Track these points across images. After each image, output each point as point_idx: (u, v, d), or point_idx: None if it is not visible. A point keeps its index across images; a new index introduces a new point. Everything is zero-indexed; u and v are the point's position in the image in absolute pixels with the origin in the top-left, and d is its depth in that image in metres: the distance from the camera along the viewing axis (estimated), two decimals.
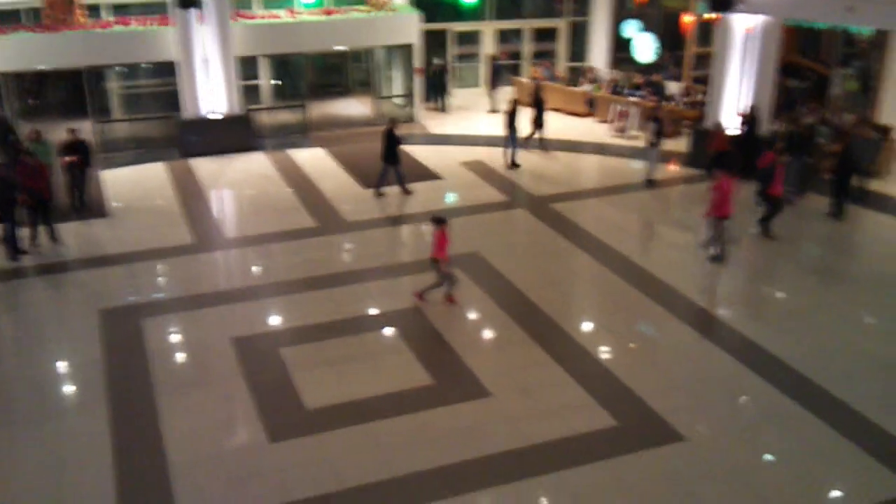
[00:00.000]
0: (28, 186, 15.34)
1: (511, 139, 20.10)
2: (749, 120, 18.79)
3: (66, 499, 8.87)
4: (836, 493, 8.87)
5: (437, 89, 26.34)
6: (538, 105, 21.35)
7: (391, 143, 18.02)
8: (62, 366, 11.63)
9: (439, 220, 12.77)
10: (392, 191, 18.31)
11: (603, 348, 11.78)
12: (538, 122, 21.36)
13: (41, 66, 21.34)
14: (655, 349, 11.92)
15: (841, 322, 12.53)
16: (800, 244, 15.61)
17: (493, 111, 25.40)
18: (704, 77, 23.30)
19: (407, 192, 18.23)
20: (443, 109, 26.09)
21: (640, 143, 21.93)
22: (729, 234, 14.58)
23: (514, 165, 20.08)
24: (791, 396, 10.48)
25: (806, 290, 13.68)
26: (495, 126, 23.78)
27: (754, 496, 8.75)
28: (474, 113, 25.68)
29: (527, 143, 21.19)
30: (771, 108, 19.49)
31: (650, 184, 18.60)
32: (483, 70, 27.97)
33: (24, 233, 15.50)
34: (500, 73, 26.29)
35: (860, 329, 12.34)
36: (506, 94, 25.80)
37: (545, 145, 21.49)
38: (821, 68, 22.55)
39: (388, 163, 18.14)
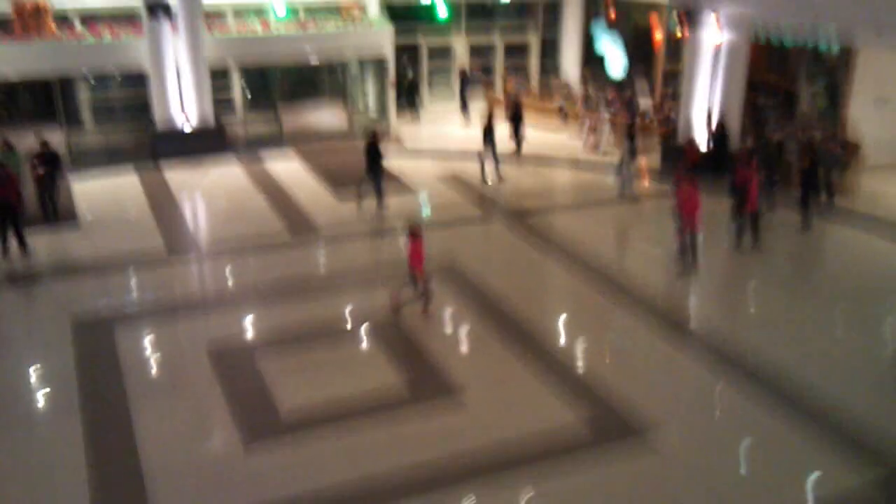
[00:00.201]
0: None
1: (492, 154, 20.17)
2: (719, 135, 19.09)
3: None
4: (809, 499, 9.01)
5: (410, 102, 26.49)
6: (517, 119, 21.46)
7: (373, 155, 17.92)
8: (34, 375, 11.49)
9: (414, 232, 12.81)
10: (369, 203, 18.31)
11: (577, 355, 11.89)
12: (517, 136, 21.48)
13: (10, 75, 21.14)
14: (629, 358, 12.03)
15: (809, 330, 12.74)
16: (769, 257, 15.85)
17: (465, 123, 25.57)
18: (675, 92, 23.67)
19: (381, 208, 18.20)
20: (415, 118, 26.23)
21: (614, 159, 22.20)
22: (695, 248, 14.78)
23: (499, 180, 20.17)
24: (763, 405, 10.62)
25: (777, 301, 13.89)
26: (470, 140, 23.98)
27: (723, 501, 8.86)
28: (448, 126, 25.81)
29: (517, 158, 21.31)
30: (740, 124, 19.81)
31: (624, 199, 18.77)
32: (455, 84, 28.16)
33: None
34: (469, 85, 26.44)
35: (830, 338, 12.56)
36: (478, 107, 26.03)
37: (520, 159, 21.63)
38: (788, 84, 22.95)
39: (371, 175, 18.04)
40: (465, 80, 26.31)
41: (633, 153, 18.95)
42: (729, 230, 16.31)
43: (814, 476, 9.28)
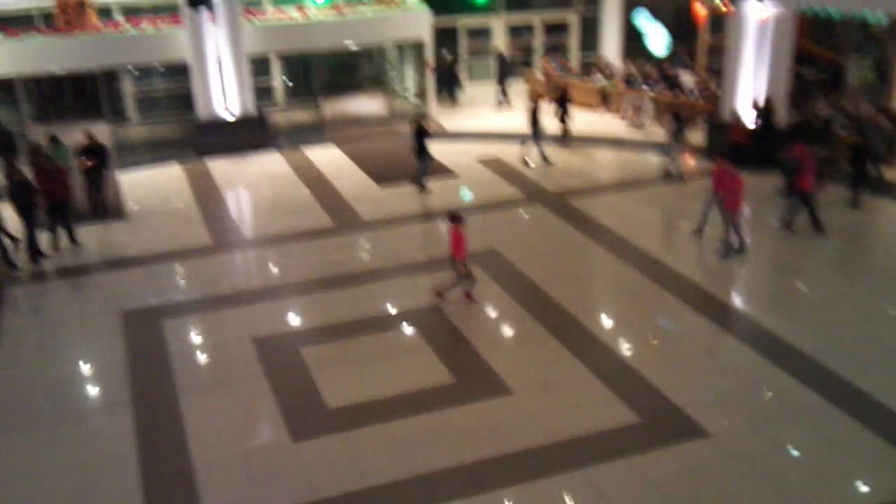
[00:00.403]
0: (47, 190, 15.47)
1: (535, 136, 20.04)
2: (765, 112, 18.71)
3: (91, 500, 8.96)
4: (861, 487, 8.84)
5: (448, 84, 26.36)
6: (563, 101, 21.18)
7: (420, 137, 18.08)
8: (85, 368, 11.74)
9: (455, 218, 12.78)
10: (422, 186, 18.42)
11: (623, 343, 11.77)
12: (564, 119, 21.20)
13: (54, 69, 21.49)
14: (676, 344, 11.89)
15: (862, 314, 12.46)
16: (819, 236, 15.52)
17: (501, 105, 25.37)
18: (719, 69, 23.23)
19: (424, 191, 18.26)
20: (454, 101, 26.15)
21: (657, 138, 21.92)
22: (738, 229, 14.53)
23: (545, 162, 20.02)
24: (814, 389, 10.44)
25: (827, 282, 13.61)
26: (509, 121, 23.83)
27: (778, 491, 8.73)
28: (487, 108, 25.66)
29: (565, 141, 21.10)
30: (786, 99, 19.39)
31: (670, 178, 18.46)
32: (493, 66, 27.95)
33: (44, 236, 15.64)
34: (507, 67, 26.19)
35: (882, 320, 12.27)
36: (515, 88, 25.82)
37: (568, 142, 21.38)
38: (836, 57, 22.41)
39: (419, 157, 18.23)
40: (504, 63, 26.05)
41: (679, 133, 18.67)
42: (777, 209, 16.00)
43: (875, 472, 9.10)
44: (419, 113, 19.15)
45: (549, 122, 20.95)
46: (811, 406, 10.15)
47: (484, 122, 24.19)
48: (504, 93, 25.72)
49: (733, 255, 14.50)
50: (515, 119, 23.95)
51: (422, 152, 18.22)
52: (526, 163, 19.99)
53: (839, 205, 16.68)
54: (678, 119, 18.76)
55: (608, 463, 9.21)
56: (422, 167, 18.33)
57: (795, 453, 9.37)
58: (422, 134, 18.13)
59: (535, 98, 20.64)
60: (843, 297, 13.06)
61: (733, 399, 10.37)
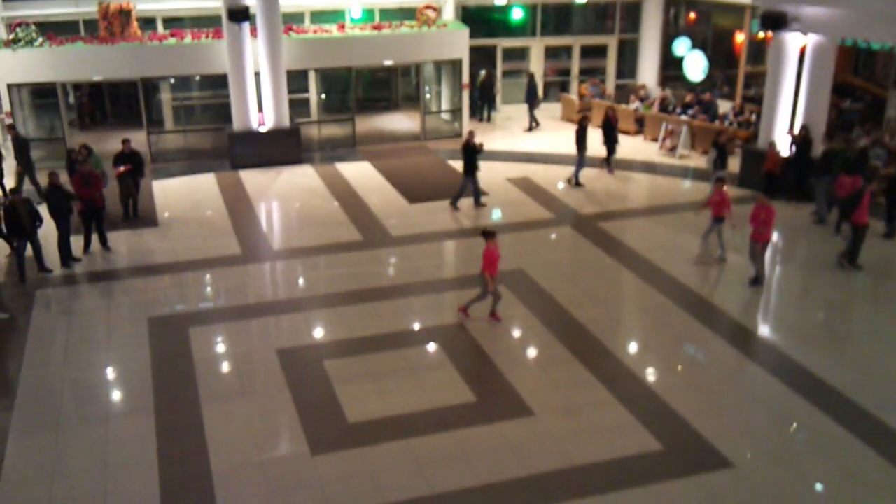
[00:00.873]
0: (82, 195, 15.72)
1: (579, 157, 19.98)
2: (801, 141, 18.53)
3: (110, 502, 9.02)
4: None
5: (483, 102, 26.42)
6: (609, 126, 20.95)
7: (470, 154, 18.08)
8: (110, 372, 11.85)
9: (489, 234, 12.72)
10: (467, 202, 18.50)
11: (648, 369, 11.67)
12: (610, 143, 20.98)
13: (97, 77, 21.88)
14: (703, 372, 11.77)
15: (894, 348, 12.25)
16: (853, 269, 15.28)
17: (529, 129, 25.33)
18: (756, 96, 23.09)
19: (482, 206, 18.35)
20: (488, 121, 26.19)
21: (691, 163, 21.80)
22: (761, 259, 14.38)
23: (576, 184, 20.00)
24: (841, 423, 10.27)
25: (859, 315, 13.41)
26: (541, 142, 23.82)
27: None
28: (518, 128, 25.67)
29: (608, 166, 20.91)
30: (825, 129, 19.19)
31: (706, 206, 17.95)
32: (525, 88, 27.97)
33: (77, 240, 15.87)
34: (535, 90, 26.13)
35: None
36: (547, 111, 25.79)
37: (612, 167, 21.07)
38: (876, 89, 22.17)
39: (468, 174, 18.24)
40: (532, 84, 25.99)
41: (722, 163, 18.49)
42: (821, 242, 15.79)
43: None
44: (470, 129, 18.97)
45: (592, 146, 20.69)
46: (839, 440, 9.98)
47: (517, 141, 24.20)
48: (532, 115, 25.60)
49: (754, 284, 14.31)
50: (548, 140, 23.96)
51: (470, 169, 18.18)
52: (570, 183, 19.95)
53: (872, 237, 16.43)
54: (720, 148, 18.56)
55: (628, 490, 9.11)
56: (465, 184, 18.31)
57: (820, 488, 9.21)
58: (471, 150, 18.07)
59: (583, 119, 20.45)
60: (876, 330, 12.85)
61: (759, 430, 10.22)
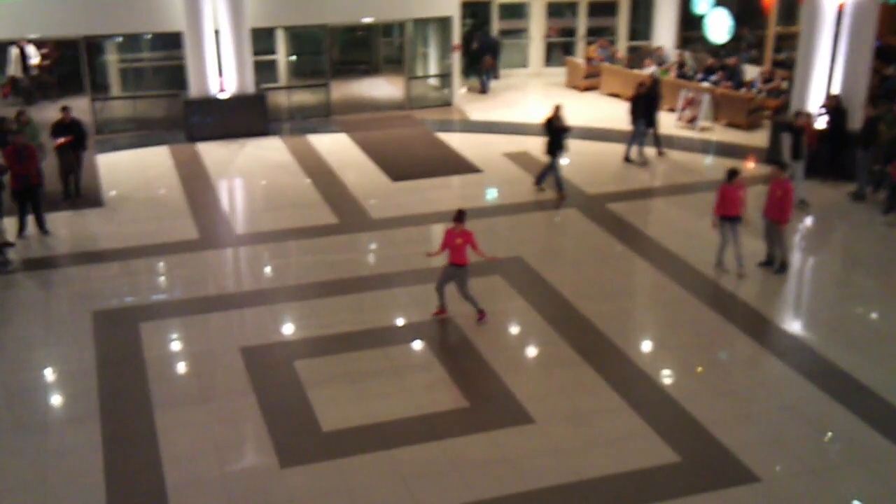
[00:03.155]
0: (16, 171, 15.61)
1: (637, 129, 19.84)
2: (834, 112, 18.55)
3: None
4: None
5: (476, 68, 26.43)
6: (652, 99, 20.56)
7: (554, 132, 17.72)
8: (50, 373, 11.81)
9: (459, 218, 12.68)
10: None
11: (664, 371, 11.72)
12: (651, 119, 20.51)
13: (32, 35, 21.71)
14: (726, 374, 11.83)
15: None
16: (892, 255, 15.39)
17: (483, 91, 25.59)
18: (788, 61, 23.12)
19: (563, 197, 17.91)
20: (484, 91, 26.19)
21: (713, 136, 21.86)
22: (783, 241, 14.43)
23: (628, 160, 19.98)
24: (883, 433, 10.34)
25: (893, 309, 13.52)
26: (543, 113, 23.79)
27: None
28: (520, 96, 25.67)
29: (658, 146, 20.62)
30: (865, 98, 19.23)
31: (804, 205, 17.30)
32: (534, 48, 27.95)
33: (9, 223, 15.77)
34: (491, 45, 26.31)
35: None
36: (545, 76, 25.80)
37: (661, 145, 20.74)
38: None
39: (552, 155, 17.87)
40: (487, 42, 26.18)
41: (797, 150, 17.40)
42: (851, 221, 15.87)
43: None
44: (556, 104, 18.22)
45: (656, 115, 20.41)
46: (880, 452, 10.05)
47: (516, 111, 24.19)
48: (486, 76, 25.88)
49: (784, 271, 14.37)
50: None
51: (554, 148, 17.72)
52: (632, 159, 19.94)
53: None
54: (794, 132, 17.52)
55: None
56: (550, 166, 17.90)
57: None
58: (554, 127, 17.64)
59: (643, 85, 20.20)
60: None
61: (789, 440, 10.29)
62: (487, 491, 9.37)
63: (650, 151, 20.38)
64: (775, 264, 14.44)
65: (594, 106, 24.93)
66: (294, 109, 23.82)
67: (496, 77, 27.06)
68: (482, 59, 26.31)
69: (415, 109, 24.29)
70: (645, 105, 19.91)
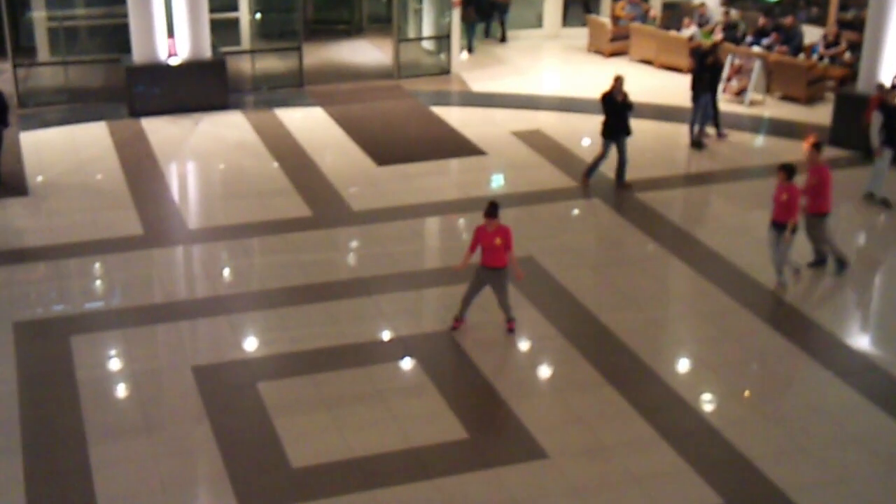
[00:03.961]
0: None
1: (697, 107, 19.69)
2: None
3: None
4: None
5: (479, 28, 26.52)
6: (717, 70, 20.54)
7: (615, 110, 17.26)
8: None
9: (490, 212, 12.41)
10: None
11: (704, 395, 11.75)
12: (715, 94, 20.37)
13: None
14: (778, 398, 11.87)
15: None
16: None
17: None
18: (856, 21, 23.14)
19: (626, 189, 17.68)
20: (470, 50, 26.38)
21: (765, 111, 21.88)
22: (829, 236, 14.47)
23: (695, 144, 19.81)
24: None
25: None
26: (558, 83, 23.86)
27: None
28: (533, 62, 25.67)
29: (718, 128, 20.49)
30: None
31: (885, 204, 17.21)
32: (549, 4, 27.98)
33: None
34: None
35: None
36: (563, 39, 25.83)
37: (721, 126, 20.62)
38: None
39: (609, 138, 17.38)
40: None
41: (890, 132, 17.19)
42: None
43: None
44: (618, 76, 17.54)
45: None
46: None
47: (525, 81, 24.20)
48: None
49: (843, 271, 14.45)
50: (567, 80, 23.99)
51: (615, 132, 17.38)
52: (696, 144, 19.82)
53: None
54: (888, 111, 17.28)
55: None
56: (620, 152, 17.42)
57: None
58: (617, 102, 17.19)
59: (711, 54, 19.90)
60: None
61: (857, 479, 10.32)
62: None
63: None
64: (833, 265, 14.45)
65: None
66: (259, 78, 23.81)
67: (503, 39, 27.10)
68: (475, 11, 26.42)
69: (405, 79, 24.28)
70: (710, 77, 19.79)
